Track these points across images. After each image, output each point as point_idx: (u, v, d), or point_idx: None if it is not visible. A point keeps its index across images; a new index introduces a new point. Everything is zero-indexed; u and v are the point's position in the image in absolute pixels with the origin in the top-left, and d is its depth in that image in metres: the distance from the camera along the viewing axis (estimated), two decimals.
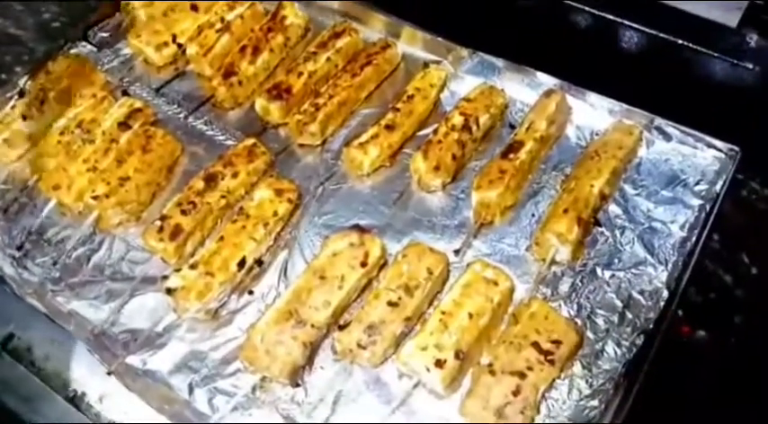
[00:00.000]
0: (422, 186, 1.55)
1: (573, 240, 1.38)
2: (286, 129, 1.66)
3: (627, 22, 1.56)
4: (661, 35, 1.56)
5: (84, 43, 1.84)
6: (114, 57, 1.83)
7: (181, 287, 1.36)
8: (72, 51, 1.82)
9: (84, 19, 1.92)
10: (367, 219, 1.52)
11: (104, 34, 1.87)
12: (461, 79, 1.71)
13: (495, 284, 1.35)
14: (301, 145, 1.64)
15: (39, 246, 1.51)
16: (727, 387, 1.34)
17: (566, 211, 1.40)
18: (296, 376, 1.32)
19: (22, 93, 1.68)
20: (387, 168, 1.60)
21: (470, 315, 1.31)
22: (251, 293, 1.44)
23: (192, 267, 1.38)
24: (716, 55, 1.51)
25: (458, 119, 1.55)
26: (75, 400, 1.34)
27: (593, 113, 1.62)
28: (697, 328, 1.40)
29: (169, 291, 1.36)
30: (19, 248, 1.50)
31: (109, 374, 1.32)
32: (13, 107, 1.66)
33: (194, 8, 1.79)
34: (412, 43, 1.77)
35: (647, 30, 1.55)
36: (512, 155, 1.49)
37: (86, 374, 1.36)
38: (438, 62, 1.74)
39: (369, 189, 1.58)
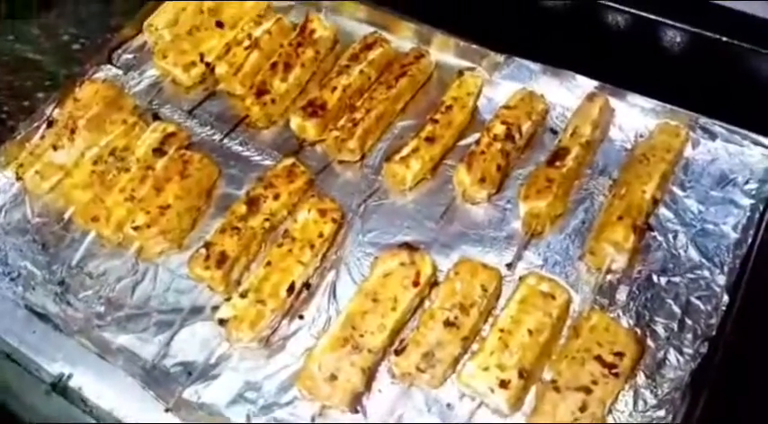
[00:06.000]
0: (466, 198, 1.52)
1: (629, 248, 1.35)
2: (322, 146, 1.63)
3: (668, 21, 1.52)
4: (704, 33, 1.52)
5: (108, 66, 1.79)
6: (141, 79, 1.78)
7: (233, 317, 1.33)
8: (97, 75, 1.77)
9: (105, 40, 1.88)
10: (413, 235, 1.49)
11: (129, 56, 1.82)
12: (497, 85, 1.67)
13: (553, 297, 1.33)
14: (340, 162, 1.60)
15: (80, 280, 1.48)
16: None
17: (620, 218, 1.37)
18: (356, 403, 1.29)
19: (50, 123, 1.64)
20: (428, 181, 1.56)
21: (530, 332, 1.28)
22: (301, 317, 1.41)
23: (243, 295, 1.36)
24: (764, 51, 1.47)
25: (500, 129, 1.52)
26: None
27: (635, 114, 1.58)
28: (740, 330, 1.36)
29: (222, 322, 1.33)
30: (60, 283, 1.47)
31: (167, 411, 1.29)
32: (42, 137, 1.62)
33: (220, 25, 1.75)
34: (444, 50, 1.73)
35: (689, 28, 1.51)
36: (558, 163, 1.46)
37: (140, 410, 1.32)
38: (472, 69, 1.69)
39: (412, 203, 1.54)
